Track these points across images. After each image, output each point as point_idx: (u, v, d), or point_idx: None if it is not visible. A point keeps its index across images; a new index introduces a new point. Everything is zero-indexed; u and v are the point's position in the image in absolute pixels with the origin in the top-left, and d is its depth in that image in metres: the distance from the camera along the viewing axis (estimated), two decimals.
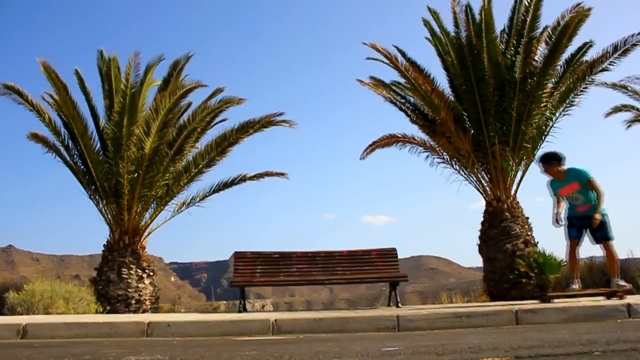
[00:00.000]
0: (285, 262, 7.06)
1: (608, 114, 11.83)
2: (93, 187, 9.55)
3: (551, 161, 6.04)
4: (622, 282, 5.82)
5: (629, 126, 11.86)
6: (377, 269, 7.07)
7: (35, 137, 9.46)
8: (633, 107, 11.49)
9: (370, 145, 10.99)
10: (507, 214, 9.33)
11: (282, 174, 10.56)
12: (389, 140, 10.83)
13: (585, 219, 5.85)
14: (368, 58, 9.96)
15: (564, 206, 6.14)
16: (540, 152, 6.19)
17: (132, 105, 9.18)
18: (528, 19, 9.26)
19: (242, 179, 10.32)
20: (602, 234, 5.80)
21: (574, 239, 5.98)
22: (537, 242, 9.32)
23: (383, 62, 9.73)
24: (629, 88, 11.21)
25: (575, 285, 5.95)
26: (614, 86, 11.20)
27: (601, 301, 5.27)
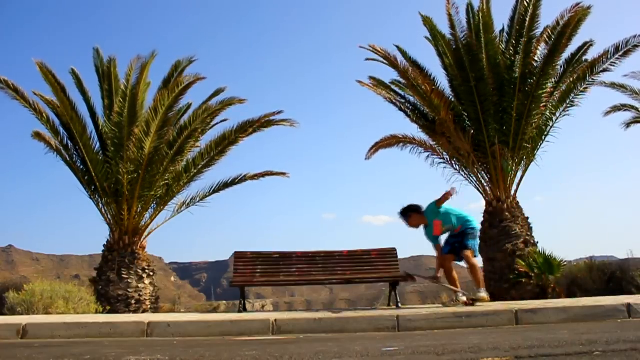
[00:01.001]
0: (285, 262, 7.04)
1: (607, 113, 11.83)
2: (93, 187, 9.56)
3: (409, 213, 5.95)
4: (484, 294, 5.68)
5: (628, 126, 11.86)
6: (377, 269, 7.05)
7: (38, 136, 9.47)
8: (632, 107, 11.47)
9: (374, 146, 11.08)
10: (507, 214, 9.33)
11: (283, 174, 10.57)
12: (391, 141, 10.88)
13: (458, 237, 5.84)
14: (367, 59, 9.97)
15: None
16: (400, 209, 6.04)
17: (132, 105, 9.18)
18: (527, 19, 9.27)
19: (243, 179, 10.33)
20: (462, 244, 5.75)
21: (446, 254, 5.89)
22: (537, 242, 9.34)
23: (382, 62, 9.73)
24: (627, 88, 11.19)
25: (463, 298, 5.74)
26: (613, 85, 11.18)
27: (601, 301, 5.27)
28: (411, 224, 5.98)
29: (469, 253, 5.76)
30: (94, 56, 10.21)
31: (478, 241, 5.95)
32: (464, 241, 5.77)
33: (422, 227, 6.03)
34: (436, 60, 10.17)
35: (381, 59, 9.64)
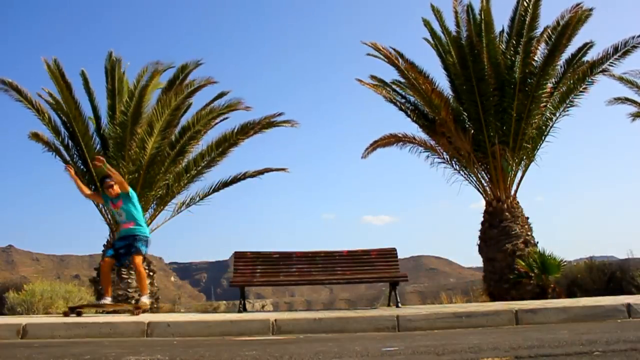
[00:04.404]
0: (285, 262, 7.04)
1: (610, 102, 11.81)
2: (93, 187, 9.54)
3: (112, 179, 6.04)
4: (146, 300, 5.81)
5: (633, 119, 11.83)
6: (377, 269, 7.05)
7: (36, 136, 9.45)
8: (636, 102, 11.45)
9: (371, 145, 11.03)
10: (507, 214, 9.33)
11: (282, 169, 10.55)
12: (390, 140, 10.85)
13: (126, 238, 5.82)
14: (368, 54, 9.97)
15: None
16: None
17: (137, 105, 9.15)
18: (527, 19, 9.28)
19: (243, 177, 10.32)
20: (135, 248, 5.75)
21: (109, 257, 5.89)
22: (537, 242, 9.34)
23: (383, 59, 9.72)
24: (634, 83, 11.15)
25: (107, 300, 5.86)
26: (620, 79, 11.14)
27: (601, 301, 5.27)
28: (110, 189, 5.96)
29: (139, 259, 5.79)
30: (106, 58, 10.18)
31: (147, 249, 5.96)
32: (136, 245, 5.74)
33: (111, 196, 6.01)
34: (435, 62, 10.20)
35: (383, 58, 9.64)
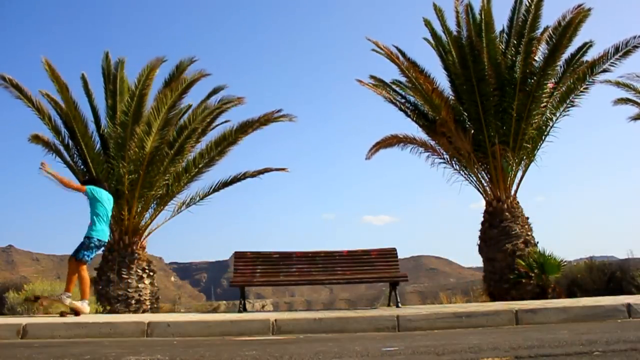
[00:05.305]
0: (285, 262, 7.05)
1: (615, 103, 11.86)
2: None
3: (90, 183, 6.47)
4: (80, 304, 5.83)
5: (634, 120, 11.84)
6: (377, 269, 7.06)
7: (36, 138, 9.44)
8: (637, 103, 11.47)
9: (374, 146, 11.07)
10: (507, 214, 9.33)
11: (282, 169, 10.56)
12: (392, 141, 10.87)
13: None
14: (372, 50, 9.98)
15: None
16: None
17: (138, 105, 9.13)
18: (529, 19, 9.28)
19: (243, 177, 10.32)
20: (74, 252, 5.86)
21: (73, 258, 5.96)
22: (537, 242, 9.34)
23: (384, 55, 9.73)
24: (631, 86, 11.20)
25: (64, 295, 5.88)
26: (617, 84, 11.19)
27: (601, 301, 5.26)
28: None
29: (77, 262, 5.86)
30: (102, 59, 10.20)
31: (93, 254, 6.07)
32: (76, 249, 5.87)
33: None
34: (435, 63, 10.21)
35: (384, 56, 9.65)
